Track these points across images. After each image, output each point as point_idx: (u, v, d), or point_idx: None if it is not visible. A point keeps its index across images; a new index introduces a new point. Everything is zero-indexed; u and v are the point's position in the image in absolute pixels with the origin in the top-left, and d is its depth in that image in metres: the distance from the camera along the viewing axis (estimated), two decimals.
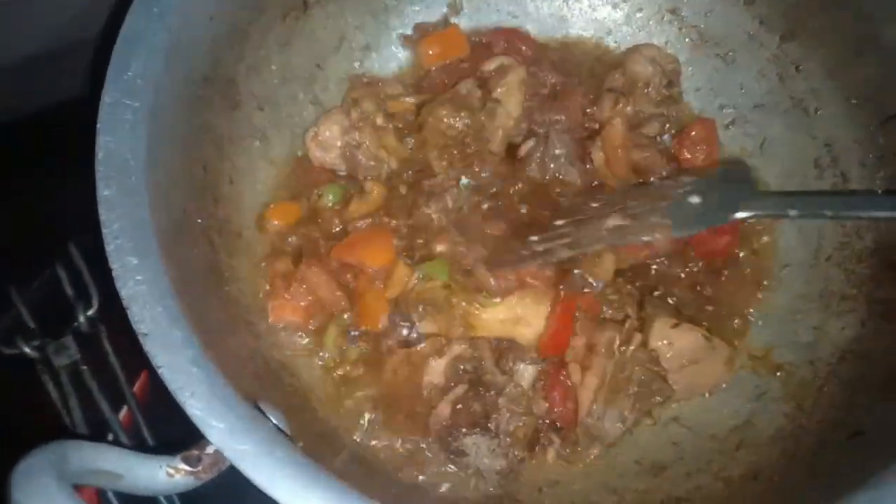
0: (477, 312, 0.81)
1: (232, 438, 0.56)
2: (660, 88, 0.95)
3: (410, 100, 0.95)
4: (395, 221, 0.86)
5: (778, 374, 0.84)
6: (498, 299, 0.80)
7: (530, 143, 0.92)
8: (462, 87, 0.92)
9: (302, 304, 0.82)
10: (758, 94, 0.98)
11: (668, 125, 0.97)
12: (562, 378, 0.80)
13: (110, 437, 0.91)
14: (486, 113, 0.90)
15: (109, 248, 0.62)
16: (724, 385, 0.84)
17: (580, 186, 0.91)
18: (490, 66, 0.95)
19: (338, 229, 0.88)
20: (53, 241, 1.02)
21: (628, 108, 0.93)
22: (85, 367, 0.94)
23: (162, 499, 0.86)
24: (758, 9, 0.96)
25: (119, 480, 0.51)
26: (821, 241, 0.90)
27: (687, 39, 1.02)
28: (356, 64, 1.01)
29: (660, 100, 0.95)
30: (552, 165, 0.90)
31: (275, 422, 0.63)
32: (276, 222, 0.89)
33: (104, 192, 0.65)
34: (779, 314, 0.88)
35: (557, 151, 0.90)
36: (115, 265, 0.62)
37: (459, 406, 0.77)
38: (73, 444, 0.49)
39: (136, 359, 0.93)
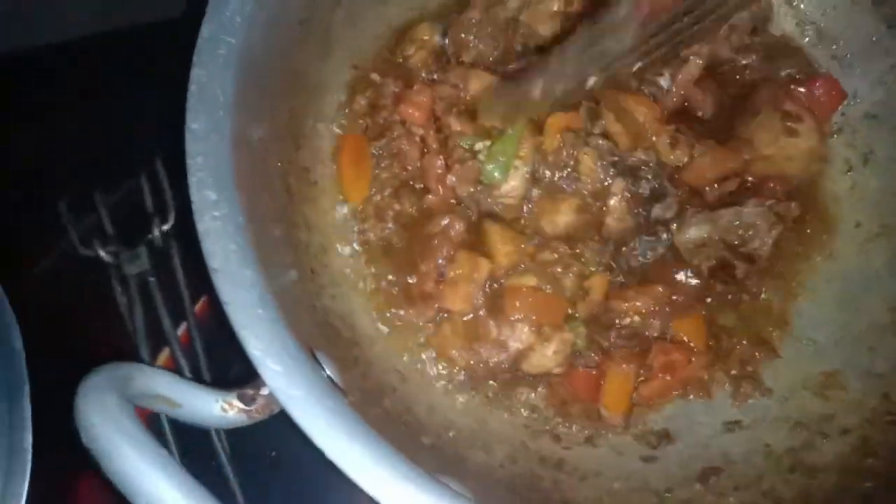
0: None
1: (287, 382, 0.57)
2: (742, 36, 0.89)
3: None
4: None
5: (845, 400, 0.80)
6: None
7: None
8: None
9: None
10: (871, 103, 0.92)
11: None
12: None
13: (167, 349, 0.96)
14: None
15: (192, 180, 0.63)
16: None
17: None
18: None
19: None
20: (142, 154, 1.05)
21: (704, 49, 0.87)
22: (153, 280, 0.98)
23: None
24: (888, 10, 0.90)
25: (175, 408, 0.52)
26: None
27: (805, 37, 0.96)
28: None
29: (740, 47, 0.89)
30: None
31: (329, 373, 0.63)
32: None
33: (192, 124, 0.65)
34: (853, 339, 0.84)
35: None
36: (194, 198, 0.63)
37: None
38: (136, 366, 0.50)
39: (201, 281, 0.99)
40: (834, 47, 0.94)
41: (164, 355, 0.98)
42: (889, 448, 0.73)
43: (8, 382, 0.62)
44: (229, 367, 0.96)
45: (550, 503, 0.73)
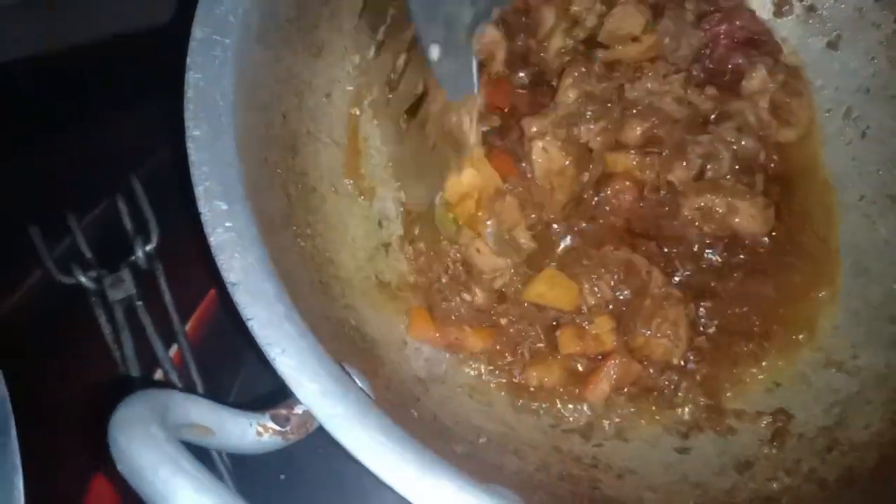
0: None
1: (325, 400, 0.53)
2: None
3: None
4: None
5: (871, 374, 0.79)
6: None
7: None
8: None
9: None
10: (863, 77, 0.92)
11: None
12: None
13: (159, 373, 0.91)
14: None
15: (198, 189, 0.59)
16: None
17: None
18: None
19: None
20: (116, 172, 1.00)
21: None
22: (140, 304, 0.93)
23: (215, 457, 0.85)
24: None
25: (210, 436, 0.48)
26: None
27: (791, 13, 0.96)
28: None
29: None
30: None
31: (361, 385, 0.59)
32: None
33: (194, 131, 0.61)
34: (872, 310, 0.83)
35: None
36: (203, 209, 0.58)
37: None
38: (167, 393, 0.45)
39: (191, 299, 0.94)
40: (822, 23, 0.95)
41: None
42: None
43: None
44: (227, 388, 0.92)
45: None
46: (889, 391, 0.77)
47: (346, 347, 0.71)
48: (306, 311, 0.64)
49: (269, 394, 0.57)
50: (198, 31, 0.65)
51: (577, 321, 0.78)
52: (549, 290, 0.78)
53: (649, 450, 0.77)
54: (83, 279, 0.94)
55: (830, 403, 0.78)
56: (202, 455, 0.83)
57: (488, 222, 0.78)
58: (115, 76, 1.03)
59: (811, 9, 0.95)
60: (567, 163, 0.77)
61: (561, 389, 0.78)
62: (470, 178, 0.79)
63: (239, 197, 0.60)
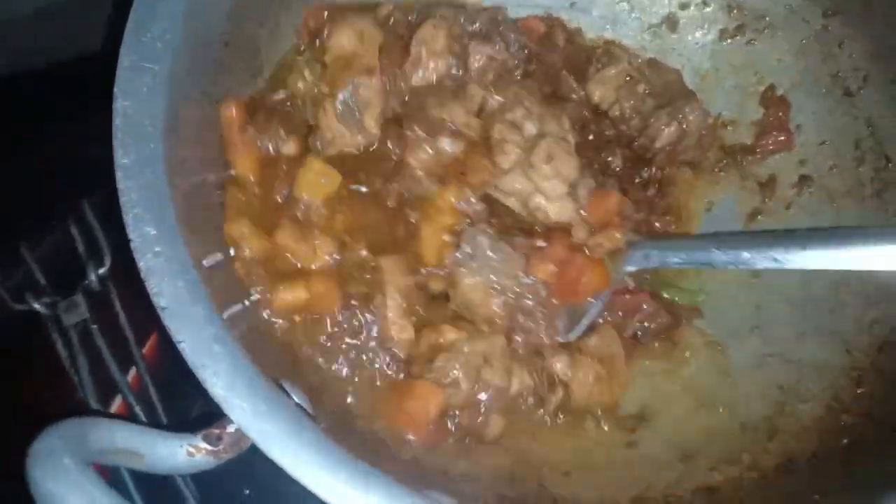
0: None
1: (256, 419, 0.54)
2: None
3: None
4: None
5: (811, 362, 0.81)
6: None
7: None
8: None
9: None
10: (795, 71, 0.95)
11: None
12: None
13: (118, 398, 0.91)
14: None
15: (127, 217, 0.60)
16: None
17: None
18: None
19: None
20: (67, 199, 1.00)
21: None
22: (95, 327, 0.93)
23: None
24: None
25: (139, 459, 0.49)
26: None
27: (725, 14, 0.98)
28: None
29: None
30: None
31: (298, 401, 0.60)
32: None
33: (122, 159, 0.62)
34: (813, 301, 0.85)
35: None
36: (133, 235, 0.59)
37: None
38: (90, 421, 0.46)
39: (147, 320, 0.94)
40: (755, 21, 0.97)
41: (115, 405, 0.93)
42: (859, 401, 0.74)
43: None
44: (187, 408, 0.92)
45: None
46: (828, 378, 0.79)
47: (288, 360, 0.72)
48: (244, 326, 0.66)
49: None
50: (125, 59, 0.65)
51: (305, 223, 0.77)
52: (311, 176, 0.77)
53: (595, 447, 0.79)
54: (36, 305, 0.94)
55: (772, 391, 0.80)
56: (163, 479, 0.85)
57: (349, 83, 0.78)
58: (58, 104, 1.03)
59: (741, 8, 0.97)
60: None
61: None
62: (354, 44, 0.80)
63: (169, 221, 0.61)
